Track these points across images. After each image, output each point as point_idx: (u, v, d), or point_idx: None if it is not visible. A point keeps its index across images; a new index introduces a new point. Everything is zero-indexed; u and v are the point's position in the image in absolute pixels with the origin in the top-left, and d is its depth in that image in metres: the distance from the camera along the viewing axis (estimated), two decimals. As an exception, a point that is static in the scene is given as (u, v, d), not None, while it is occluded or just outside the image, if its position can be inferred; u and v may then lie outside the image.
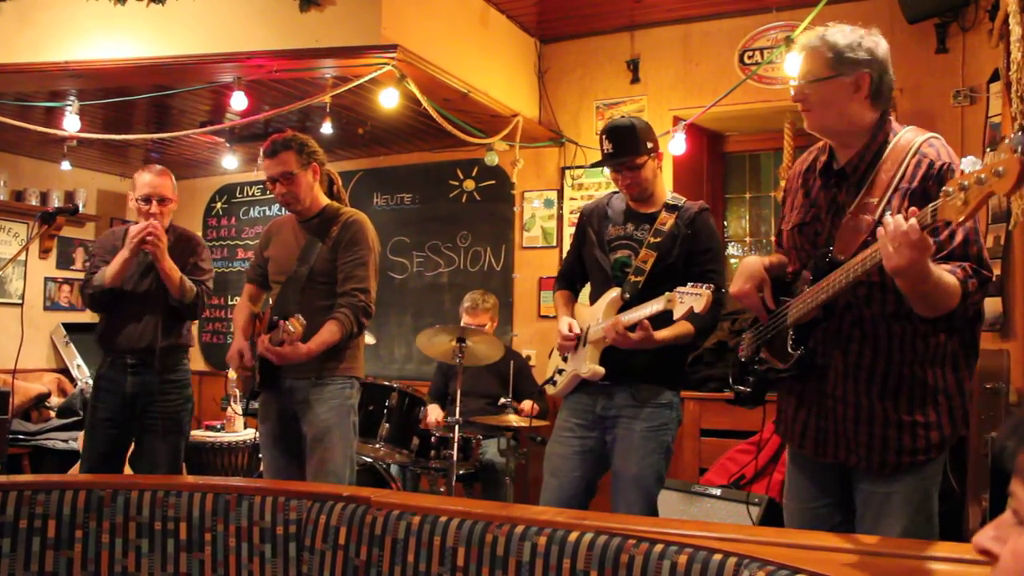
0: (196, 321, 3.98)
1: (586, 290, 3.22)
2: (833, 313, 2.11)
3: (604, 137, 3.00)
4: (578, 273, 3.24)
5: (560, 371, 3.11)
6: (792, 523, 2.33)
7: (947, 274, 1.89)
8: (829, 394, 2.16)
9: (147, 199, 3.65)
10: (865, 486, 2.15)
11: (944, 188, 1.68)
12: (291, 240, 3.31)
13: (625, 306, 2.89)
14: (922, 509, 2.10)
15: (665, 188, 3.09)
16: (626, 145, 2.95)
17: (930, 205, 1.72)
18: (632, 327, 2.78)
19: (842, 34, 2.09)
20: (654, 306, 2.72)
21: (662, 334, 2.80)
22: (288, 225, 3.37)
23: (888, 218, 1.79)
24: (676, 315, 2.64)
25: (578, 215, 3.26)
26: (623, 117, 3.10)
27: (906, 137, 2.11)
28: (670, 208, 3.00)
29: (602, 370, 2.92)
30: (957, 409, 2.08)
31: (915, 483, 2.09)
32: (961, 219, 1.65)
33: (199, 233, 7.14)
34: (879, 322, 2.08)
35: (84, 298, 3.81)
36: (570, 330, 3.02)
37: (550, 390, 3.20)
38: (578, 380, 3.02)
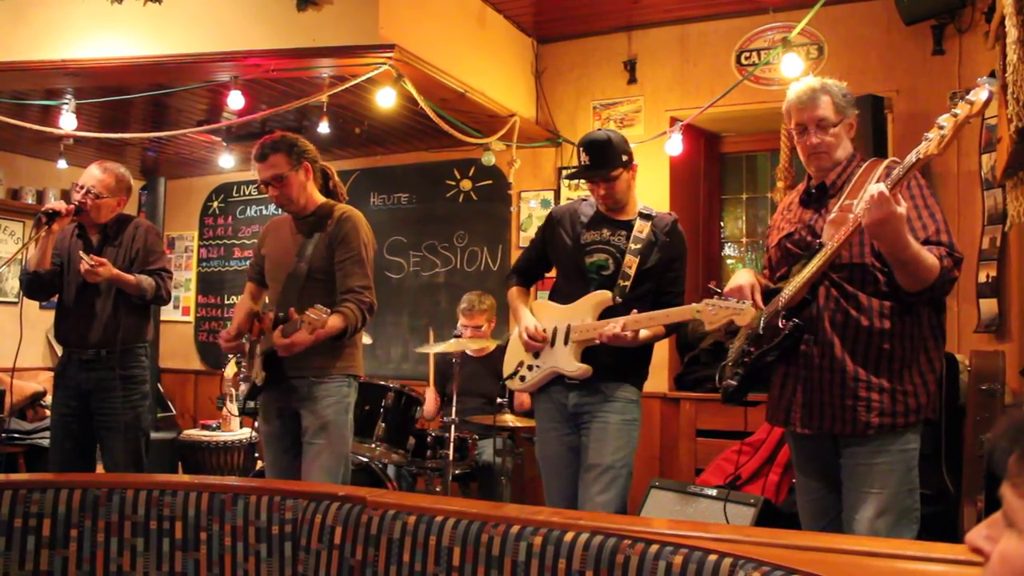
0: (151, 319, 4.02)
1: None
2: (818, 293, 2.41)
3: (581, 150, 3.12)
4: (536, 271, 3.47)
5: (531, 367, 3.15)
6: (803, 517, 2.60)
7: (925, 250, 2.22)
8: (816, 366, 2.41)
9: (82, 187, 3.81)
10: (849, 460, 2.41)
11: (924, 134, 2.06)
12: (288, 238, 3.34)
13: (614, 308, 2.99)
14: (904, 481, 2.36)
15: (636, 198, 3.22)
16: (602, 159, 3.06)
17: (914, 150, 2.09)
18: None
19: (836, 85, 2.52)
20: (683, 315, 2.84)
21: (644, 335, 2.95)
22: (285, 224, 3.40)
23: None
24: (708, 327, 2.72)
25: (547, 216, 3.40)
26: (600, 130, 3.24)
27: (874, 160, 2.51)
28: (644, 217, 3.14)
29: (591, 369, 2.99)
30: (930, 383, 2.39)
31: (896, 454, 2.36)
32: (940, 149, 2.05)
33: (195, 232, 7.15)
34: (860, 299, 2.37)
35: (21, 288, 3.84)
36: (536, 331, 3.10)
37: (515, 385, 3.24)
38: (553, 376, 3.09)
